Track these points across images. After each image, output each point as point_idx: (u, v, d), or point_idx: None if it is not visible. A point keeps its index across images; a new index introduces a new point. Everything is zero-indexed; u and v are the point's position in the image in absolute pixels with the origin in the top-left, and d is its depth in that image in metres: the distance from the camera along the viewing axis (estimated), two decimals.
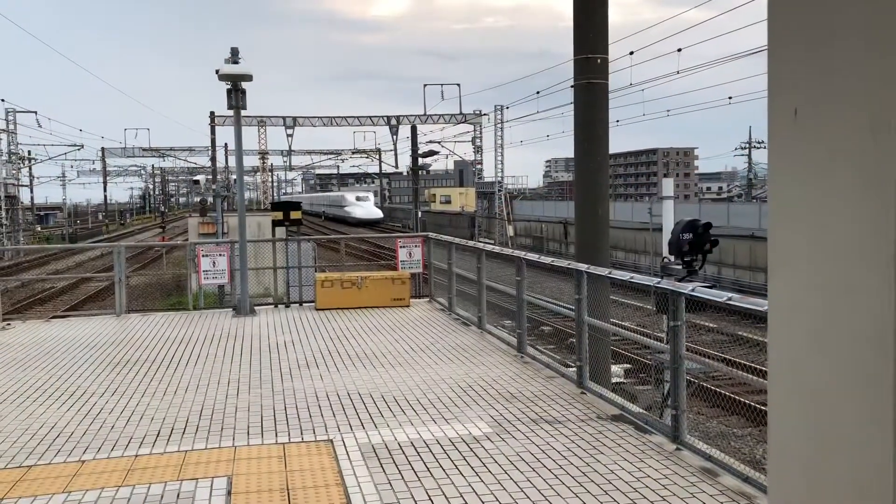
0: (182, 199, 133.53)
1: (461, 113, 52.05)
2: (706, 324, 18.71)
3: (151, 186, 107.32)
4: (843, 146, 1.00)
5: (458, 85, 48.76)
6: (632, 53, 23.56)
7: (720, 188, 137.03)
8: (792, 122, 1.08)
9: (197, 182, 35.91)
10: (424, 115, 50.66)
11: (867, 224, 0.96)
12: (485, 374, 8.29)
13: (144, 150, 70.21)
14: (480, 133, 55.56)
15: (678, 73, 23.11)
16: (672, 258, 10.10)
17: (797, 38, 1.06)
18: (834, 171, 1.03)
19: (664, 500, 4.92)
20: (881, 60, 0.92)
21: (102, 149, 72.29)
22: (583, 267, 7.67)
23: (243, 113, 13.24)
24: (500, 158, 51.16)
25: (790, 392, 1.16)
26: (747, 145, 71.28)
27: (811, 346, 1.10)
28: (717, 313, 17.89)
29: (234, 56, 12.57)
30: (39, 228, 64.64)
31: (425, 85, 47.69)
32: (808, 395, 1.12)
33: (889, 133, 0.91)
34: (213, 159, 46.62)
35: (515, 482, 5.24)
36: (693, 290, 5.69)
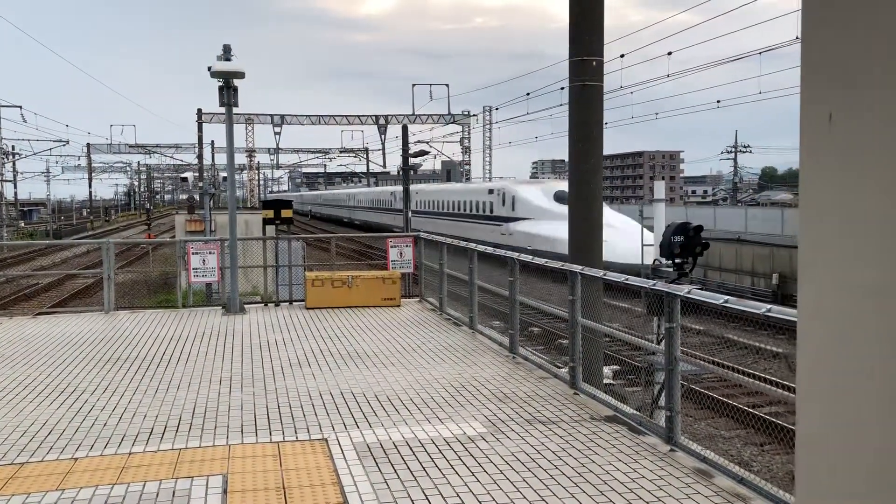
0: (167, 197, 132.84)
1: (450, 113, 52.06)
2: (693, 326, 18.80)
3: (137, 183, 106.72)
4: (879, 151, 1.02)
5: (447, 85, 48.73)
6: (622, 56, 23.65)
7: (705, 192, 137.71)
8: (826, 127, 1.09)
9: (185, 179, 35.78)
10: (413, 114, 50.65)
11: None
12: (477, 375, 8.30)
13: (130, 146, 69.81)
14: (469, 134, 55.61)
15: (668, 76, 23.21)
16: (663, 260, 10.15)
17: (832, 46, 1.07)
18: (868, 175, 1.04)
19: (660, 500, 4.95)
20: None
21: (88, 145, 71.86)
22: (577, 268, 7.70)
23: (232, 110, 13.18)
24: (488, 159, 51.22)
25: (818, 392, 1.17)
26: (733, 149, 71.72)
27: (840, 347, 1.11)
28: (705, 316, 17.93)
29: (227, 53, 12.52)
30: (23, 224, 64.10)
31: (414, 85, 47.67)
32: (836, 395, 1.13)
33: None
34: (200, 156, 46.39)
35: (511, 482, 5.25)
36: (689, 293, 5.72)
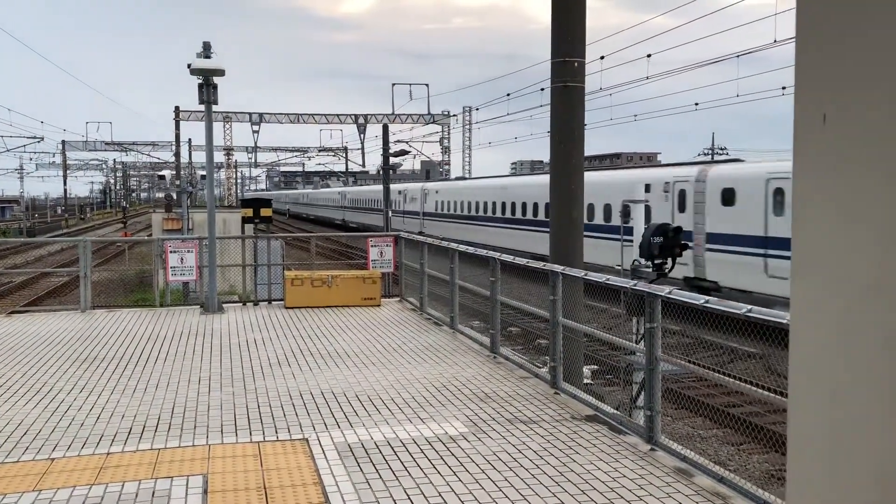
0: (143, 195, 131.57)
1: (430, 113, 52.04)
2: (670, 326, 18.92)
3: (113, 181, 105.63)
4: (873, 151, 1.03)
5: (427, 85, 48.68)
6: (602, 58, 23.76)
7: None
8: (820, 127, 1.10)
9: (162, 177, 35.44)
10: (393, 114, 50.56)
11: (894, 228, 0.98)
12: (458, 374, 8.30)
13: (107, 143, 69.04)
14: (448, 134, 55.63)
15: (647, 78, 23.38)
16: (642, 261, 10.20)
17: (826, 48, 1.08)
18: (862, 175, 1.05)
19: (640, 499, 4.98)
20: None
21: (63, 142, 70.98)
22: (558, 268, 7.72)
23: (211, 108, 13.07)
24: (468, 159, 51.28)
25: (811, 390, 1.17)
26: (710, 151, 72.29)
27: (833, 345, 1.11)
28: (682, 316, 17.84)
29: (206, 51, 12.42)
30: None
31: (394, 84, 47.55)
32: (829, 393, 1.14)
33: None
34: (178, 154, 46.03)
35: (493, 482, 5.25)
36: (670, 293, 5.76)
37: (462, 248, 10.69)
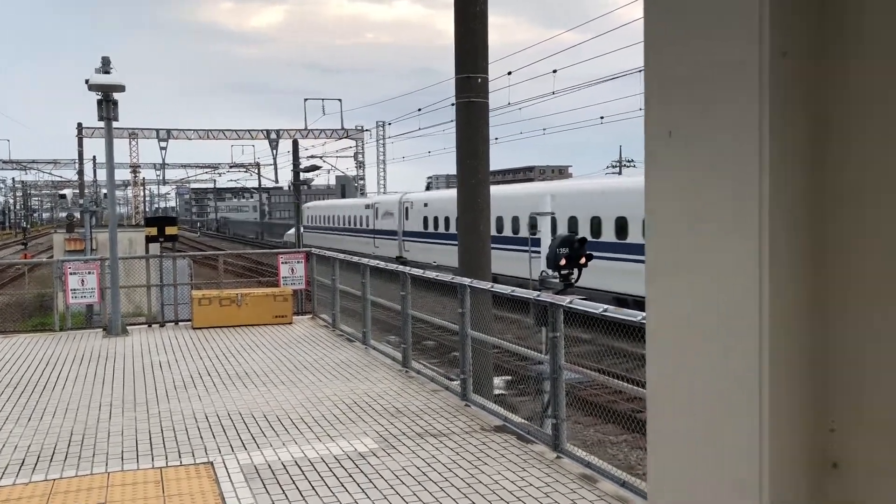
0: (45, 215, 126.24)
1: (343, 128, 51.82)
2: (581, 335, 19.28)
3: (12, 201, 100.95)
4: (714, 164, 1.10)
5: (340, 100, 48.60)
6: (510, 73, 24.17)
7: None
8: (667, 141, 1.17)
9: (63, 196, 34.07)
10: (305, 129, 50.12)
11: (737, 238, 1.05)
12: (370, 390, 8.27)
13: (4, 162, 66.01)
14: (363, 148, 55.48)
15: (553, 93, 23.88)
16: (550, 272, 10.41)
17: (668, 67, 1.14)
18: (705, 186, 1.12)
19: None
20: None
21: None
22: (466, 281, 7.80)
23: (114, 124, 12.70)
24: (382, 174, 51.25)
25: (666, 396, 1.23)
26: (618, 164, 74.34)
27: (684, 352, 1.18)
28: (593, 325, 18.18)
29: (106, 66, 12.07)
30: None
31: (306, 99, 47.29)
32: (683, 396, 1.20)
33: (755, 151, 1.00)
34: (81, 173, 44.39)
35: (402, 496, 5.25)
36: (571, 303, 5.90)
37: (373, 262, 10.67)
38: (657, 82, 1.20)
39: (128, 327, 12.53)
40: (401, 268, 9.37)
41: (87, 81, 11.92)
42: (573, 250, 9.78)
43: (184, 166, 71.12)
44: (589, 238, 11.97)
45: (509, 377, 15.35)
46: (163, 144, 53.37)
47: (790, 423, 1.10)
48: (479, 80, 9.05)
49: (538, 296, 6.48)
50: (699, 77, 1.11)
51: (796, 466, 1.11)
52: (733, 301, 1.08)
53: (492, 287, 7.55)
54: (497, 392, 13.34)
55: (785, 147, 1.00)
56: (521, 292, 7.07)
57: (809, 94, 1.02)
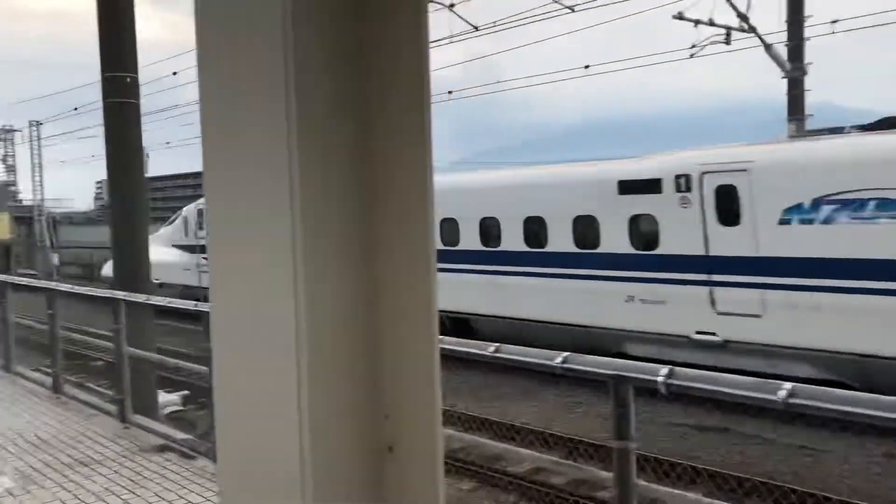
0: None
1: None
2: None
3: None
4: (250, 188, 1.15)
5: None
6: (175, 73, 23.13)
7: None
8: (221, 172, 1.21)
9: None
10: None
11: (275, 251, 1.11)
12: (12, 424, 7.38)
13: None
14: (13, 151, 49.65)
15: None
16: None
17: (213, 106, 1.18)
18: (244, 204, 1.17)
19: None
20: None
21: None
22: (120, 294, 7.30)
23: None
24: (38, 179, 46.32)
25: (226, 391, 1.25)
26: None
27: (240, 355, 1.21)
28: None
29: None
30: None
31: None
32: (237, 397, 1.23)
33: (281, 177, 1.05)
34: None
35: None
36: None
37: (14, 279, 9.55)
38: (205, 111, 1.23)
39: None
40: (45, 283, 8.51)
41: None
42: None
43: None
44: None
45: (187, 392, 14.72)
46: None
47: (351, 414, 1.18)
48: (129, 80, 8.41)
49: (196, 305, 6.26)
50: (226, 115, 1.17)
51: (355, 452, 1.19)
52: (275, 309, 1.13)
53: (148, 299, 7.15)
54: (174, 409, 12.73)
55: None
56: (180, 303, 6.80)
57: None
